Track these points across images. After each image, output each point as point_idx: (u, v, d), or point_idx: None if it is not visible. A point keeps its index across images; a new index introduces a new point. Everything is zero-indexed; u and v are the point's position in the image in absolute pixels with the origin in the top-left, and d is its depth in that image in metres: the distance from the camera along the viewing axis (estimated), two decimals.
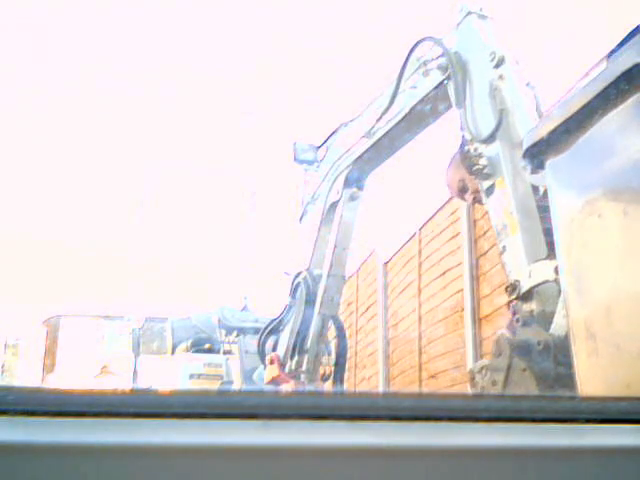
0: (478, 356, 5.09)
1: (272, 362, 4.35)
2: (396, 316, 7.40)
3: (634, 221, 1.28)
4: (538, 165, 1.64)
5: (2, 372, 11.48)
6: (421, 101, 3.22)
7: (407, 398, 0.81)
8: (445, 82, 2.98)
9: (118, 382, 9.23)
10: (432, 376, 6.10)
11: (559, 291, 2.11)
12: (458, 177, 3.11)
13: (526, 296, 2.36)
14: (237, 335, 7.68)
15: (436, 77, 3.04)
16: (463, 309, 5.57)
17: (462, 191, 3.12)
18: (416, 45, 3.20)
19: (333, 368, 4.25)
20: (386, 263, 7.88)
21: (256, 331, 5.75)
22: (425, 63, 3.10)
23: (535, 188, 2.47)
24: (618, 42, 1.40)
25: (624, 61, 1.32)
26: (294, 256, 4.78)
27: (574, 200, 1.50)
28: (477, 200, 3.11)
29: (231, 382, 7.94)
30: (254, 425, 0.68)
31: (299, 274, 4.32)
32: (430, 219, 6.55)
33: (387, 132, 3.51)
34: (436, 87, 3.07)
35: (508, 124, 2.63)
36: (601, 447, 0.76)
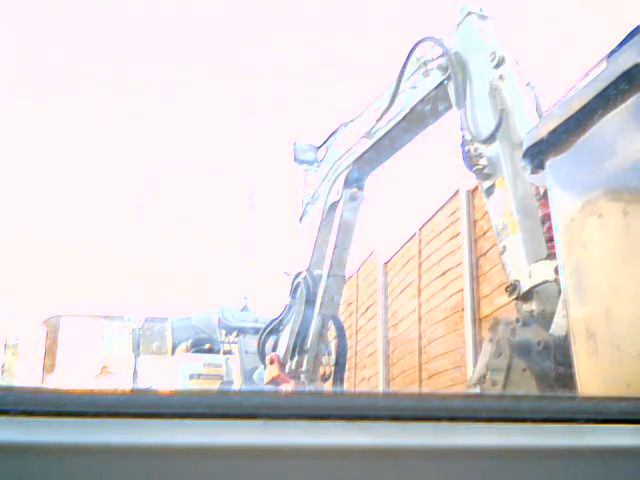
0: (478, 356, 5.08)
1: (272, 362, 4.35)
2: (396, 316, 7.39)
3: (634, 221, 1.28)
4: (538, 165, 1.64)
5: (2, 372, 11.48)
6: (421, 101, 3.22)
7: (407, 398, 0.81)
8: (445, 82, 2.98)
9: (118, 382, 9.22)
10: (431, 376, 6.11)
11: (559, 291, 2.11)
12: None
13: (526, 296, 2.35)
14: (237, 335, 7.68)
15: (436, 77, 3.04)
16: (463, 309, 5.56)
17: None
18: (416, 45, 3.20)
19: (333, 368, 4.25)
20: (386, 263, 7.88)
21: (256, 331, 5.75)
22: (425, 63, 3.10)
23: (535, 188, 2.47)
24: (618, 42, 1.40)
25: (624, 61, 1.32)
26: (294, 256, 4.78)
27: (574, 200, 1.50)
28: None
29: (231, 382, 7.94)
30: (254, 425, 0.68)
31: (299, 274, 4.32)
32: (430, 219, 6.54)
33: (387, 132, 3.51)
34: (436, 87, 3.07)
35: (508, 124, 2.63)
36: (601, 447, 0.76)
